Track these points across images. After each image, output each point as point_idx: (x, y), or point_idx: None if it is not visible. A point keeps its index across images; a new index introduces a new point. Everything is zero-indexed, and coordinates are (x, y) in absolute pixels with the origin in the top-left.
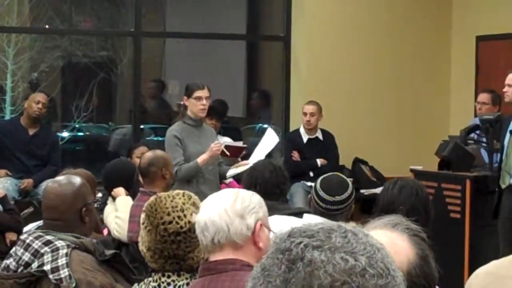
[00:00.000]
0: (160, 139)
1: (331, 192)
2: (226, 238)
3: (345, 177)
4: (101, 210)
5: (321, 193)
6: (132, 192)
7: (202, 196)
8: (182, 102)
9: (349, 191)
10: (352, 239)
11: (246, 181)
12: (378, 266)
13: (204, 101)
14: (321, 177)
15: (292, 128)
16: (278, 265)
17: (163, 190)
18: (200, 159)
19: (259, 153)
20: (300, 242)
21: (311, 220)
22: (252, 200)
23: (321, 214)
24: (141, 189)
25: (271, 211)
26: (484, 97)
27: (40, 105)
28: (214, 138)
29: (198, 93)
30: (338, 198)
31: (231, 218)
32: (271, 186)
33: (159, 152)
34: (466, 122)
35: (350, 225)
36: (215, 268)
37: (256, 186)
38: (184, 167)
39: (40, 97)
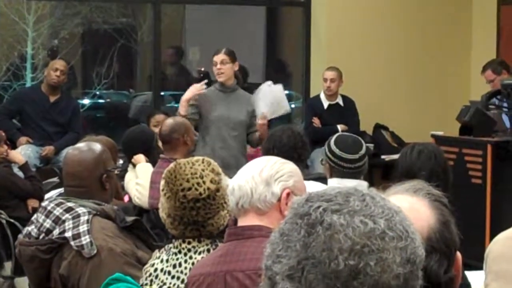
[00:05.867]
0: None
1: (351, 150)
2: (249, 203)
3: (354, 135)
4: (122, 177)
5: (341, 153)
6: (151, 158)
7: (220, 162)
8: (202, 69)
9: (364, 147)
10: (370, 202)
11: (265, 145)
12: (397, 228)
13: (219, 65)
14: (332, 142)
15: (312, 94)
16: (297, 229)
17: (184, 156)
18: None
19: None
20: (319, 206)
21: (338, 184)
22: (281, 168)
23: (346, 175)
24: (161, 155)
25: None
26: (488, 74)
27: (58, 73)
28: (249, 105)
29: (214, 58)
30: (359, 154)
31: (256, 184)
32: (288, 150)
33: (179, 118)
34: (487, 87)
35: (367, 189)
36: (242, 234)
37: (274, 150)
38: None
39: (58, 64)
